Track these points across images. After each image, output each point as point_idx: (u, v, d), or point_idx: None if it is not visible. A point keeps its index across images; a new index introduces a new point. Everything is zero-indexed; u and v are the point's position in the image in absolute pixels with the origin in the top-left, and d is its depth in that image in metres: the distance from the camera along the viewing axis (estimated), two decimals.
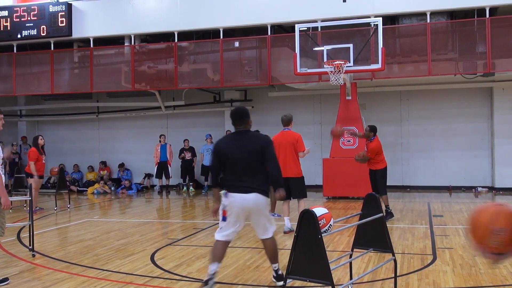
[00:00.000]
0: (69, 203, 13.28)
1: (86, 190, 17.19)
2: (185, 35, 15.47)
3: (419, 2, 13.57)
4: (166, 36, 15.73)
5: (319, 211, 4.46)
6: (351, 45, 12.63)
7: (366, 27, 13.44)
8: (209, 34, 15.67)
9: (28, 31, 15.89)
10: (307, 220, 4.09)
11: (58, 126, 19.44)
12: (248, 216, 5.35)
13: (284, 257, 6.68)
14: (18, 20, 15.95)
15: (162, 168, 16.32)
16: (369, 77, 14.04)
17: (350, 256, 5.19)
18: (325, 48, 12.87)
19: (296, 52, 12.78)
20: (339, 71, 12.21)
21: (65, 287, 5.69)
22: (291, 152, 8.56)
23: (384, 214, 6.46)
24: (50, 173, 16.83)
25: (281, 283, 5.37)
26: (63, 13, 15.70)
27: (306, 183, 9.02)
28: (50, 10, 15.79)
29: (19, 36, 16.00)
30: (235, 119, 5.44)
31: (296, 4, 14.27)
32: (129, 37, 15.75)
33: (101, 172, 17.98)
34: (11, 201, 6.10)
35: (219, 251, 5.39)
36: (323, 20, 13.54)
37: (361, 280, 5.55)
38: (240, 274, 6.09)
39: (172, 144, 16.82)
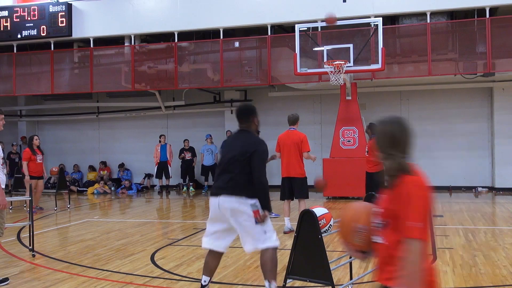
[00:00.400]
0: (69, 203, 13.27)
1: (86, 190, 17.19)
2: (185, 35, 15.47)
3: (419, 2, 13.57)
4: (166, 36, 15.74)
5: (319, 211, 4.45)
6: (351, 45, 12.63)
7: (366, 27, 13.44)
8: (209, 34, 15.67)
9: (28, 31, 15.88)
10: (307, 220, 4.09)
11: (58, 126, 19.44)
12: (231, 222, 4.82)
13: (284, 257, 6.68)
14: (18, 20, 15.94)
15: (162, 168, 16.32)
16: (369, 77, 14.04)
17: (350, 257, 5.19)
18: (325, 48, 12.87)
19: (296, 52, 12.77)
20: (339, 71, 12.21)
21: (65, 287, 5.69)
22: (295, 152, 8.53)
23: None
24: (50, 173, 16.83)
25: None
26: (63, 13, 15.69)
27: None
28: (50, 10, 15.79)
29: (19, 36, 16.00)
30: (237, 117, 5.10)
31: (296, 4, 14.27)
32: (129, 37, 15.74)
33: (101, 172, 17.98)
34: (11, 201, 6.07)
35: (206, 261, 5.01)
36: (323, 20, 13.52)
37: (361, 280, 5.55)
38: (240, 274, 6.09)
39: (172, 144, 16.81)
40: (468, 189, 15.21)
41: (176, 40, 15.15)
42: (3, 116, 6.11)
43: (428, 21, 13.45)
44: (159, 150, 16.37)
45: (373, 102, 15.93)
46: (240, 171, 4.76)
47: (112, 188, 17.22)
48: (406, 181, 2.57)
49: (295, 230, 4.18)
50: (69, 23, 15.69)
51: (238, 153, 4.81)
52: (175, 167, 16.81)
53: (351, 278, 5.36)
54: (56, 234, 9.52)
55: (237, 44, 15.41)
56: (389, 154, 2.62)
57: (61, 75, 16.66)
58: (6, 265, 6.70)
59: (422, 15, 13.65)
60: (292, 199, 8.78)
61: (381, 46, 12.30)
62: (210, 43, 15.69)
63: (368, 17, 13.32)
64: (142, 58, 16.14)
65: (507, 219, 10.07)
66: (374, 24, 12.71)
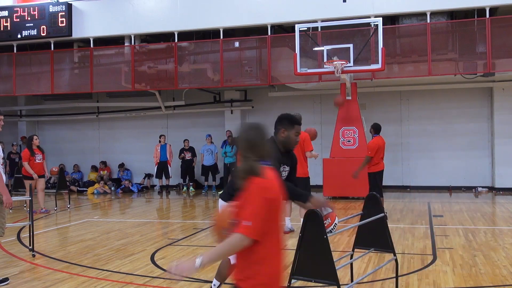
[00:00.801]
0: (69, 203, 13.27)
1: (86, 190, 17.19)
2: (185, 35, 15.47)
3: (419, 2, 13.57)
4: (166, 36, 15.74)
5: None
6: (351, 45, 12.63)
7: (366, 27, 13.44)
8: (209, 34, 15.67)
9: (28, 31, 15.88)
10: (313, 220, 4.07)
11: (58, 126, 19.44)
12: None
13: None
14: (18, 20, 15.94)
15: (162, 168, 16.32)
16: (369, 77, 14.04)
17: (351, 256, 5.19)
18: (325, 48, 12.87)
19: (296, 52, 12.77)
20: (338, 71, 12.21)
21: (65, 287, 5.69)
22: (297, 152, 8.50)
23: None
24: (50, 173, 16.82)
25: None
26: (63, 13, 15.69)
27: None
28: (50, 10, 15.79)
29: (19, 36, 16.00)
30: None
31: (296, 4, 14.27)
32: (129, 37, 15.74)
33: (101, 172, 17.98)
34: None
35: (221, 267, 4.98)
36: (323, 20, 13.54)
37: (361, 280, 5.54)
38: None
39: (172, 144, 16.81)
40: (468, 189, 15.21)
41: (176, 40, 15.15)
42: (2, 117, 6.10)
43: (428, 21, 13.45)
44: (159, 150, 16.37)
45: (373, 102, 15.93)
46: None
47: (112, 188, 17.22)
48: (252, 182, 2.70)
49: (300, 230, 4.16)
50: (69, 23, 15.69)
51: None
52: (175, 167, 16.81)
53: (351, 278, 5.35)
54: (56, 234, 9.51)
55: (237, 44, 15.41)
56: (246, 156, 2.79)
57: (61, 75, 16.65)
58: (6, 265, 6.70)
59: (422, 15, 13.65)
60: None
61: (381, 46, 12.29)
62: (210, 43, 15.69)
63: (368, 17, 13.32)
64: (142, 58, 16.14)
65: (507, 219, 10.07)
66: (374, 24, 12.71)
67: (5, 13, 16.06)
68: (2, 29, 16.08)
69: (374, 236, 5.00)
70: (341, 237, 7.98)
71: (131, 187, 17.00)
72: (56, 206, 12.65)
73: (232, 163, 15.42)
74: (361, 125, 13.81)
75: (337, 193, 13.62)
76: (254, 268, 2.66)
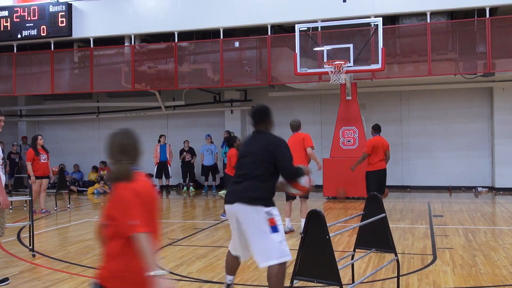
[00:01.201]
0: (69, 203, 13.27)
1: (86, 190, 17.19)
2: (185, 35, 15.47)
3: (419, 2, 13.57)
4: (166, 36, 15.74)
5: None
6: (351, 45, 12.63)
7: (366, 27, 13.44)
8: (209, 34, 15.67)
9: (28, 31, 15.88)
10: (315, 220, 4.06)
11: (58, 126, 19.44)
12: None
13: None
14: (18, 20, 15.94)
15: (162, 168, 16.32)
16: (369, 77, 14.04)
17: (353, 257, 5.19)
18: (325, 48, 12.87)
19: (296, 52, 12.77)
20: (339, 71, 12.21)
21: (65, 287, 5.69)
22: (299, 151, 8.53)
23: None
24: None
25: None
26: (63, 13, 15.70)
27: None
28: (50, 10, 15.79)
29: (19, 36, 16.00)
30: (253, 119, 4.84)
31: (296, 4, 14.27)
32: (129, 37, 15.74)
33: (101, 172, 17.97)
34: (11, 201, 6.08)
35: (228, 261, 4.99)
36: (323, 20, 13.54)
37: (362, 281, 5.54)
38: (240, 274, 6.08)
39: (172, 144, 16.81)
40: (468, 189, 15.21)
41: (176, 40, 15.15)
42: (3, 118, 6.10)
43: (428, 21, 13.45)
44: (158, 150, 16.37)
45: (373, 102, 15.94)
46: (260, 178, 4.56)
47: None
48: (123, 187, 2.83)
49: (301, 230, 4.16)
50: (69, 23, 15.69)
51: (256, 153, 4.65)
52: (175, 167, 16.81)
53: (352, 278, 5.36)
54: (56, 234, 9.51)
55: (237, 44, 15.41)
56: (117, 160, 2.91)
57: (61, 75, 16.66)
58: (6, 265, 6.70)
59: (422, 15, 13.65)
60: (294, 199, 8.77)
61: (381, 46, 12.30)
62: (210, 43, 15.69)
63: (368, 17, 13.32)
64: (142, 58, 16.15)
65: (507, 219, 10.07)
66: (374, 24, 12.71)
67: (5, 13, 16.06)
68: (2, 29, 16.08)
69: (375, 236, 5.00)
70: (341, 237, 7.98)
71: None
72: (56, 206, 12.65)
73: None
74: (361, 125, 13.81)
75: (337, 193, 13.61)
76: (126, 264, 2.81)
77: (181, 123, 18.09)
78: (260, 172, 4.55)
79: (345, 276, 5.74)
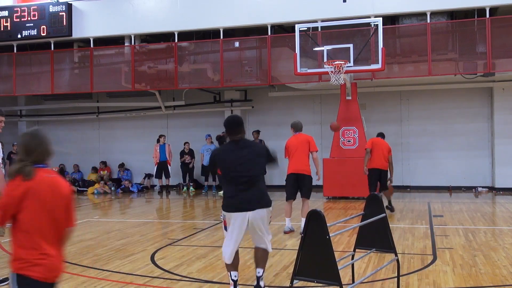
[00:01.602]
0: None
1: (86, 190, 17.19)
2: (185, 35, 15.47)
3: (419, 2, 13.57)
4: (166, 36, 15.73)
5: None
6: (351, 45, 12.62)
7: (366, 27, 13.44)
8: (209, 34, 15.67)
9: (28, 31, 15.88)
10: (315, 220, 4.07)
11: (58, 126, 19.42)
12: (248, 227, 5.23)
13: (284, 257, 6.69)
14: (18, 20, 15.94)
15: (162, 168, 16.32)
16: (369, 77, 14.04)
17: (353, 257, 5.19)
18: (325, 48, 12.87)
19: (296, 52, 12.77)
20: (339, 71, 12.22)
21: (65, 287, 5.69)
22: (303, 149, 8.57)
23: None
24: None
25: None
26: (63, 13, 15.69)
27: None
28: (50, 10, 15.79)
29: (19, 36, 16.00)
30: (235, 128, 5.21)
31: (296, 4, 14.27)
32: (129, 37, 15.74)
33: (101, 172, 17.98)
34: None
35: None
36: (323, 20, 13.54)
37: (362, 281, 5.54)
38: (240, 274, 6.08)
39: (173, 144, 16.81)
40: (468, 189, 15.21)
41: (176, 40, 15.15)
42: (3, 118, 6.10)
43: (428, 21, 13.45)
44: (158, 150, 16.37)
45: (373, 102, 15.94)
46: (263, 180, 5.32)
47: (112, 188, 17.22)
48: (12, 182, 3.04)
49: (302, 230, 4.16)
50: (69, 23, 15.69)
51: (257, 156, 5.23)
52: (175, 167, 16.81)
53: (352, 278, 5.36)
54: None
55: (237, 44, 15.41)
56: (21, 160, 3.09)
57: (61, 75, 16.65)
58: (6, 265, 6.69)
59: (422, 15, 13.65)
60: (295, 199, 8.75)
61: (381, 46, 12.29)
62: (210, 43, 15.68)
63: (368, 17, 13.32)
64: (142, 58, 16.15)
65: (507, 219, 10.07)
66: (374, 24, 12.70)
67: (5, 13, 16.05)
68: (2, 29, 16.08)
69: (376, 236, 5.00)
70: (341, 237, 7.99)
71: (131, 187, 17.00)
72: None
73: None
74: (361, 125, 13.81)
75: (337, 193, 13.63)
76: (20, 252, 3.06)
77: (181, 123, 18.09)
78: (261, 176, 5.27)
79: (345, 276, 5.74)
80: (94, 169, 18.27)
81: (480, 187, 15.09)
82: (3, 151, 6.66)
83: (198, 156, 16.86)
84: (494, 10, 13.49)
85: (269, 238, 5.31)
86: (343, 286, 4.03)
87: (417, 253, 7.08)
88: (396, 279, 5.20)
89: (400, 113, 16.15)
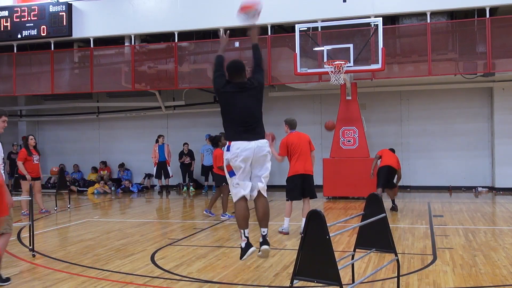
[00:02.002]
0: (69, 203, 13.27)
1: (86, 190, 17.19)
2: (185, 35, 15.47)
3: (419, 2, 13.57)
4: (166, 36, 15.74)
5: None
6: (351, 45, 12.63)
7: (366, 27, 13.44)
8: (209, 34, 15.67)
9: (28, 31, 15.89)
10: (315, 220, 4.06)
11: (58, 126, 19.44)
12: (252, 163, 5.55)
13: (283, 257, 6.68)
14: (18, 20, 15.95)
15: (162, 168, 16.33)
16: (369, 77, 14.04)
17: (353, 257, 5.19)
18: (325, 48, 12.87)
19: (296, 52, 12.78)
20: (339, 71, 12.22)
21: (65, 287, 5.69)
22: (308, 151, 8.54)
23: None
24: (50, 173, 16.82)
25: (267, 247, 5.43)
26: (63, 13, 15.70)
27: None
28: (50, 10, 15.79)
29: (19, 36, 16.00)
30: (240, 70, 5.93)
31: (296, 4, 14.27)
32: (129, 37, 15.75)
33: (101, 172, 17.98)
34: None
35: (245, 216, 5.57)
36: (323, 20, 13.54)
37: (362, 281, 5.54)
38: (240, 274, 6.08)
39: (172, 144, 16.81)
40: (468, 189, 15.21)
41: (176, 40, 15.15)
42: (6, 118, 6.09)
43: (428, 21, 13.45)
44: (157, 151, 16.37)
45: (373, 102, 15.94)
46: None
47: (112, 188, 17.23)
48: None
49: (302, 230, 4.16)
50: (69, 23, 15.70)
51: (255, 91, 5.85)
52: (174, 168, 16.82)
53: (352, 278, 5.35)
54: (56, 234, 9.51)
55: (237, 44, 15.41)
56: None
57: (61, 75, 16.66)
58: (6, 265, 6.69)
59: (422, 15, 13.65)
60: (300, 199, 8.63)
61: (381, 46, 12.30)
62: (210, 43, 15.69)
63: (368, 17, 13.32)
64: (142, 58, 16.15)
65: (507, 219, 10.07)
66: (374, 24, 12.71)
67: (5, 13, 16.06)
68: (2, 29, 16.09)
69: (376, 236, 4.99)
70: (341, 237, 7.98)
71: (131, 187, 17.01)
72: (56, 206, 12.65)
73: None
74: (361, 125, 13.81)
75: (337, 193, 13.63)
76: None
77: (181, 123, 18.10)
78: (261, 116, 6.08)
79: (345, 276, 5.74)
80: (94, 169, 18.28)
81: (480, 187, 15.09)
82: (3, 151, 6.67)
83: (198, 156, 16.86)
84: (494, 10, 13.50)
85: (266, 176, 5.57)
86: (343, 286, 4.03)
87: (417, 253, 7.08)
88: (396, 279, 5.20)
89: (400, 113, 16.15)
